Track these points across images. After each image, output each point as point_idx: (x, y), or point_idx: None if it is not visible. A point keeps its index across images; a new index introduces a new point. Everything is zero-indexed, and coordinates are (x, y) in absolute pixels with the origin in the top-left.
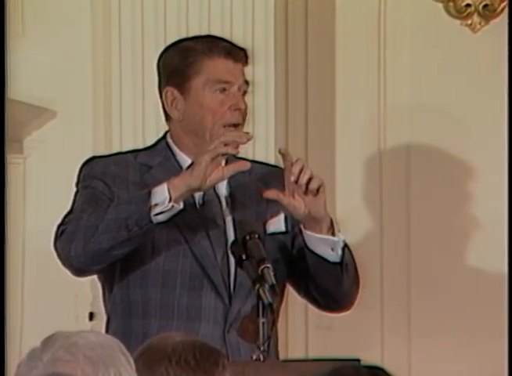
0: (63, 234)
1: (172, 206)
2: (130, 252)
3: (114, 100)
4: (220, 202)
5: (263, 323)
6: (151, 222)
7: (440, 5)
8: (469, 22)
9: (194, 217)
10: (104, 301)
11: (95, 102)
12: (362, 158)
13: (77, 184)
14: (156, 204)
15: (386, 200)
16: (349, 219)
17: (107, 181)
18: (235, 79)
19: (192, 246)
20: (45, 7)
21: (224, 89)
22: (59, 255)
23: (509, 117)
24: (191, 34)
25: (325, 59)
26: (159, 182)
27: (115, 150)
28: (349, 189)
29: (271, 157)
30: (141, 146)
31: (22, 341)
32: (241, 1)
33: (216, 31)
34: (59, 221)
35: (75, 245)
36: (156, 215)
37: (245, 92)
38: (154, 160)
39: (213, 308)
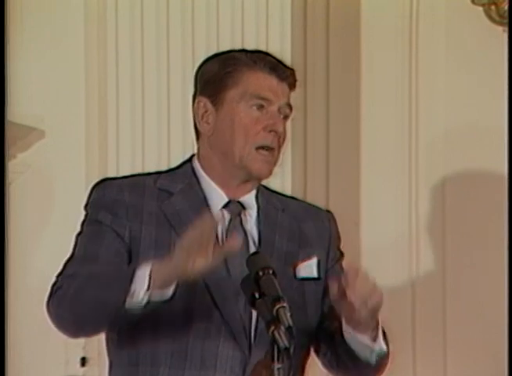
0: (55, 295)
1: (148, 302)
2: None
3: (110, 118)
4: (247, 241)
5: (278, 369)
6: (126, 312)
7: (480, 9)
8: None
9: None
10: (107, 344)
11: (88, 120)
12: (391, 194)
13: (86, 207)
14: (134, 293)
15: (421, 244)
16: (376, 267)
17: (119, 211)
18: (276, 98)
19: (211, 287)
20: (32, 17)
21: (262, 106)
22: (50, 318)
23: None
24: (197, 46)
25: (349, 82)
26: (177, 213)
27: (110, 174)
28: (377, 230)
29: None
30: (140, 171)
31: None
32: (254, 14)
33: (226, 44)
34: (45, 260)
35: (61, 312)
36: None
37: (286, 116)
38: (176, 186)
39: (230, 357)
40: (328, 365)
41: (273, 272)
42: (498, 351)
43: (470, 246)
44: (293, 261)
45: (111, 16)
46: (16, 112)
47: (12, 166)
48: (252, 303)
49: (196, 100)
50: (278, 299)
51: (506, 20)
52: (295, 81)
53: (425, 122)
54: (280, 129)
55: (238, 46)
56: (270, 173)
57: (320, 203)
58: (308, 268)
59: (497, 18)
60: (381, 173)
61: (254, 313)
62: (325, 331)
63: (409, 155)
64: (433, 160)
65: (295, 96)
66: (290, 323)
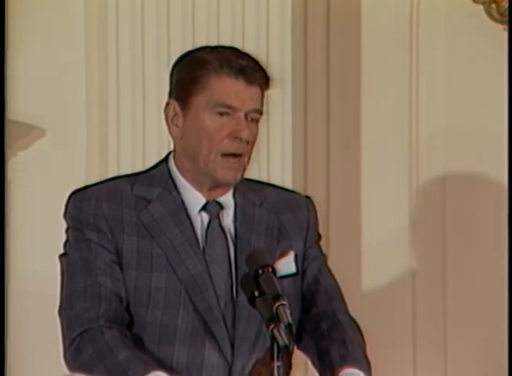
0: (72, 352)
1: None
2: (127, 303)
3: (111, 117)
4: (227, 241)
5: (278, 367)
6: None
7: (481, 8)
8: None
9: (196, 262)
10: None
11: (88, 119)
12: (392, 191)
13: (65, 220)
14: None
15: (421, 241)
16: (376, 263)
17: (101, 226)
18: (242, 104)
19: (194, 297)
20: (32, 16)
21: (227, 113)
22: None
23: None
24: (197, 46)
25: (349, 82)
26: (156, 221)
27: (111, 173)
28: (377, 227)
29: None
30: (140, 169)
31: None
32: (254, 13)
33: (226, 44)
34: (45, 259)
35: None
36: None
37: (256, 120)
38: (153, 192)
39: (215, 366)
40: (315, 361)
41: (272, 271)
42: (498, 349)
43: (469, 243)
44: (271, 258)
45: (111, 15)
46: (16, 110)
47: (13, 164)
48: (252, 301)
49: (167, 102)
50: (277, 297)
51: (507, 19)
52: (267, 82)
53: (425, 121)
54: (245, 136)
55: (238, 47)
56: (237, 179)
57: (320, 201)
58: (286, 264)
59: (498, 16)
60: (381, 171)
61: (237, 321)
62: (307, 323)
63: (409, 152)
64: (433, 157)
65: (296, 95)
66: (290, 320)
